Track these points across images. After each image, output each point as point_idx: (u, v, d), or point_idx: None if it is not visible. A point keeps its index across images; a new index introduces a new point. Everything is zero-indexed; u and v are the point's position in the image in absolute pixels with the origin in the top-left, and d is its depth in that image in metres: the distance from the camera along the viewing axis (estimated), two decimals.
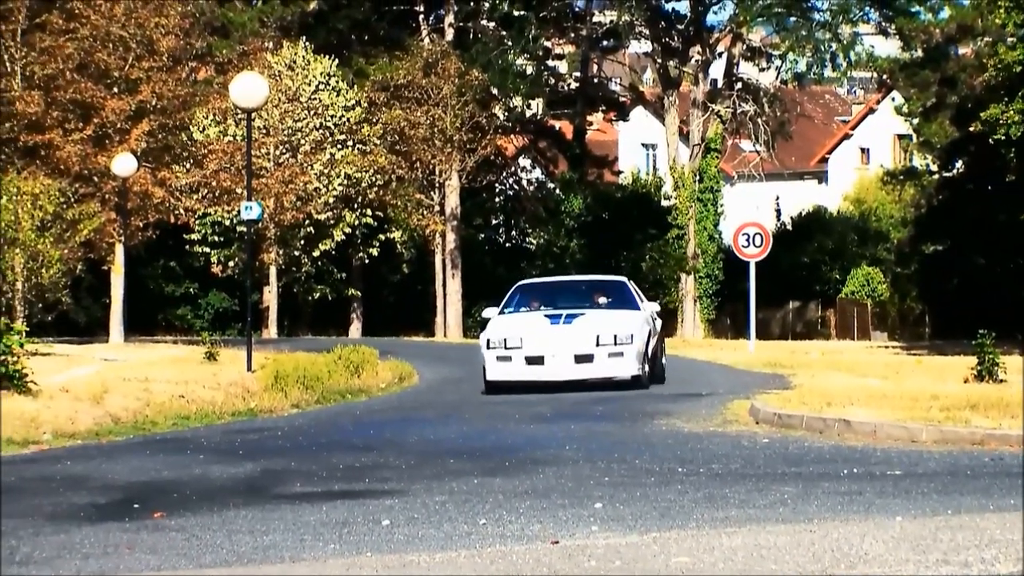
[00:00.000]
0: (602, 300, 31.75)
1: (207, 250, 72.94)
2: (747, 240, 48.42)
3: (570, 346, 28.85)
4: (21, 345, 29.90)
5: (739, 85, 76.57)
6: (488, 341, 29.24)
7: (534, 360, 28.58)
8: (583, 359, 28.77)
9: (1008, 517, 11.74)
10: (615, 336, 28.77)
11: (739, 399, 25.90)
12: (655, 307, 33.02)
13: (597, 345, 28.95)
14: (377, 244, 76.34)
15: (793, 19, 74.55)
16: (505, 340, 28.72)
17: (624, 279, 35.58)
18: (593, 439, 20.84)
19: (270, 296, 74.71)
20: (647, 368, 30.42)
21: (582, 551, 10.69)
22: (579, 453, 18.40)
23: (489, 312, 32.18)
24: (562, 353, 28.80)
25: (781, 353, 47.35)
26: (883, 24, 74.56)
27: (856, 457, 17.71)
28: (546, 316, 30.10)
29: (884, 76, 76.51)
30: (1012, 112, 41.49)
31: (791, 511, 12.51)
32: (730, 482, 14.95)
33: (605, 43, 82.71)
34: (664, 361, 34.39)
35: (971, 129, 48.46)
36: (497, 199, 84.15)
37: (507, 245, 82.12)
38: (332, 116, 72.87)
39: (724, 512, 12.61)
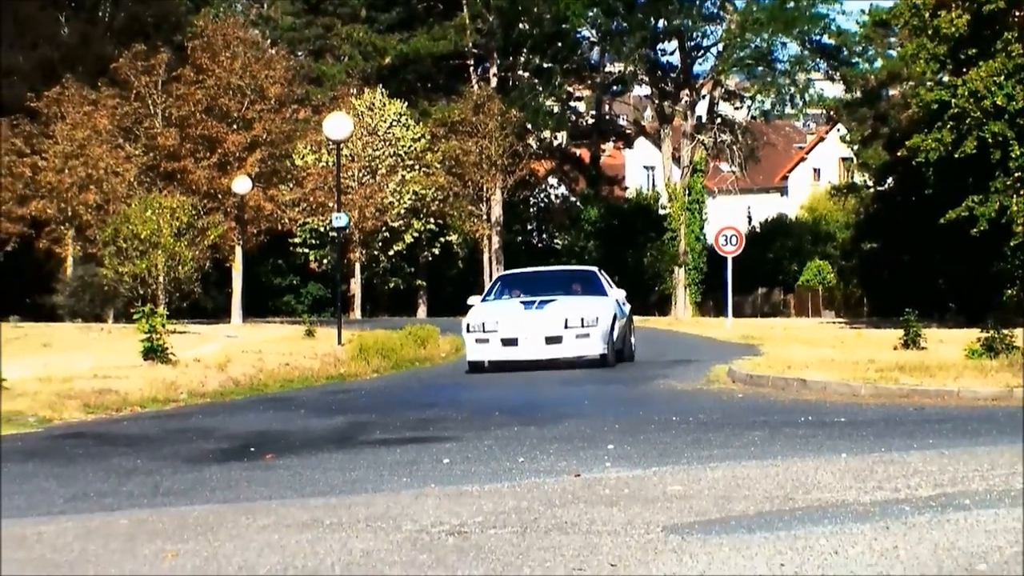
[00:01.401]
0: (576, 288, 29.41)
1: (306, 251, 72.97)
2: (725, 240, 48.23)
3: (541, 329, 26.74)
4: (163, 326, 29.96)
5: (719, 120, 76.36)
6: (468, 325, 27.30)
7: (509, 342, 26.55)
8: (553, 340, 26.65)
9: (927, 454, 11.71)
10: (582, 319, 26.51)
11: (720, 364, 25.78)
12: (622, 293, 30.21)
13: (565, 327, 26.60)
14: (438, 245, 76.43)
15: (760, 69, 74.30)
16: (483, 324, 26.67)
17: (595, 269, 33.34)
18: (605, 397, 20.92)
19: (355, 286, 74.72)
20: (613, 348, 28.00)
21: (598, 482, 10.69)
22: (595, 408, 18.38)
23: (472, 300, 29.81)
24: (534, 335, 26.70)
25: (752, 329, 47.20)
26: (830, 72, 74.40)
27: (810, 409, 17.64)
28: (521, 303, 28.05)
29: (831, 113, 76.45)
30: (930, 141, 41.33)
31: (760, 451, 12.49)
32: (713, 428, 14.92)
33: (614, 88, 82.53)
34: (633, 340, 32.05)
35: (899, 154, 48.28)
36: (531, 210, 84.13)
37: (539, 246, 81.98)
38: (402, 146, 72.82)
39: (708, 451, 12.59)
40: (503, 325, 26.42)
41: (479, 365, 27.15)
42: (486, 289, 31.39)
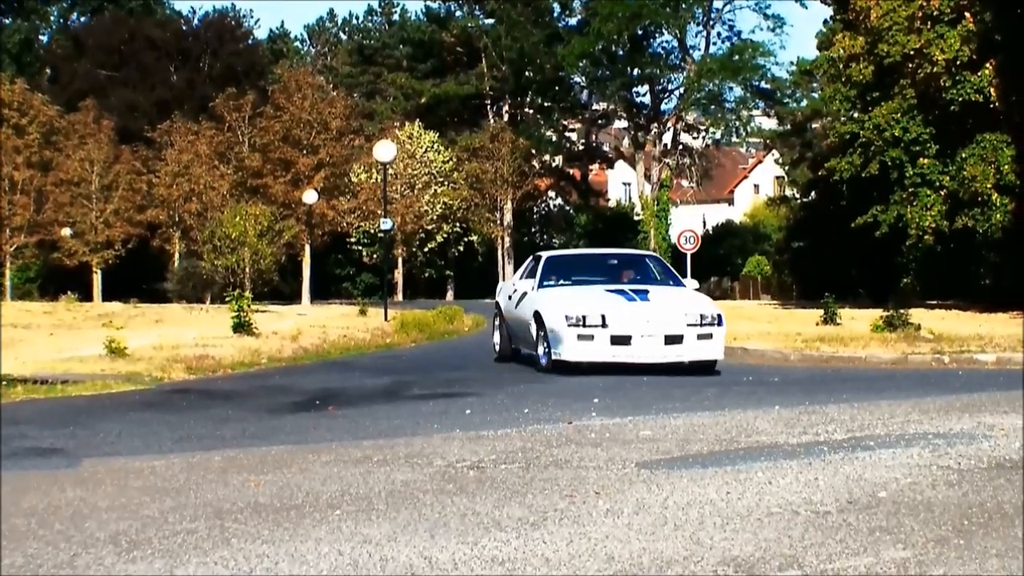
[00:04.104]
0: (639, 275, 19.33)
1: (360, 248, 72.92)
2: (686, 240, 47.88)
3: (660, 326, 16.76)
4: (249, 306, 29.99)
5: (680, 147, 76.29)
6: (566, 317, 16.75)
7: (620, 340, 16.56)
8: (673, 340, 16.72)
9: (841, 406, 11.70)
10: (702, 316, 16.88)
11: None
12: (695, 284, 19.85)
13: (688, 325, 16.80)
14: (462, 244, 76.42)
15: (713, 107, 74.19)
16: (584, 317, 16.64)
17: (655, 253, 24.37)
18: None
19: (398, 275, 74.76)
20: None
21: (586, 428, 10.68)
22: (586, 371, 18.34)
23: (513, 285, 20.34)
24: (652, 333, 16.72)
25: None
26: (767, 110, 74.42)
27: (752, 371, 17.57)
28: (613, 291, 17.81)
29: (767, 141, 76.20)
30: (844, 163, 41.29)
31: (712, 404, 12.46)
32: (676, 386, 14.88)
33: (599, 122, 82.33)
34: None
35: (820, 173, 48.39)
36: (535, 216, 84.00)
37: (540, 244, 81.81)
38: (435, 167, 72.75)
39: (672, 404, 12.56)
40: (614, 320, 16.58)
41: (574, 366, 16.88)
42: (524, 270, 20.47)
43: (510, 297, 19.92)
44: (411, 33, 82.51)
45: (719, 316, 16.95)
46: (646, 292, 17.63)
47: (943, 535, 6.11)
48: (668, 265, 20.82)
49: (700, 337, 16.63)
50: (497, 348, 20.68)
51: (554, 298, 17.70)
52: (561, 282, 18.88)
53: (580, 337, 16.55)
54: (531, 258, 20.63)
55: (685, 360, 16.78)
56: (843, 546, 5.96)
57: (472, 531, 6.53)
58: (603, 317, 16.51)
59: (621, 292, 17.65)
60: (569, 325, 16.59)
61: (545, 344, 17.35)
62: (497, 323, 20.76)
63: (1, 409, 14.11)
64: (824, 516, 6.62)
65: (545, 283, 18.67)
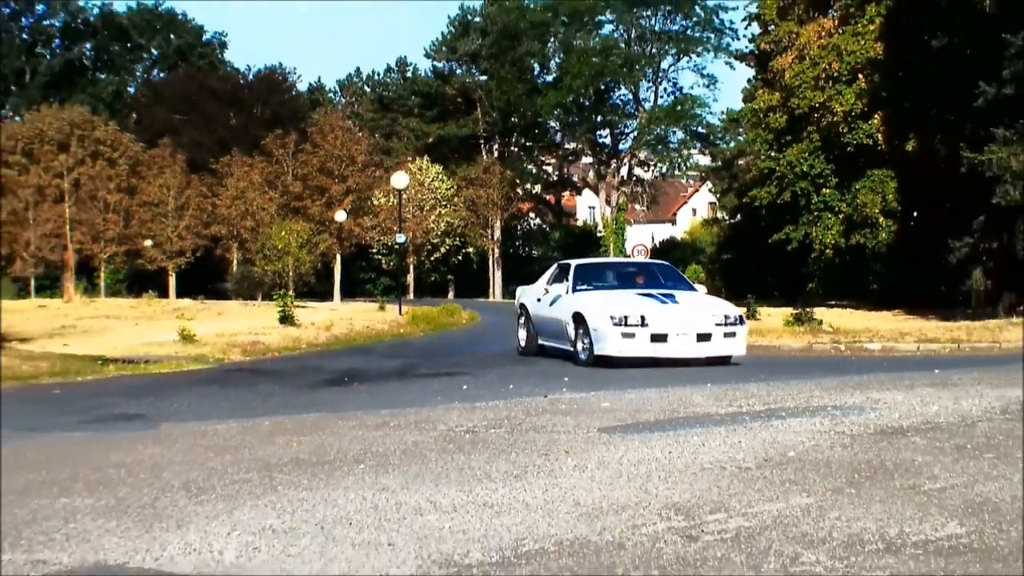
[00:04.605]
0: (651, 281, 17.98)
1: (380, 256, 72.65)
2: (637, 252, 47.60)
3: (693, 325, 15.58)
4: (291, 302, 30.00)
5: (634, 178, 76.24)
6: (612, 318, 15.45)
7: (659, 338, 15.38)
8: (703, 338, 15.57)
9: (760, 384, 11.70)
10: (727, 317, 15.77)
11: None
12: (703, 288, 18.39)
13: (716, 325, 15.64)
14: (461, 255, 76.17)
15: (660, 147, 74.19)
16: (626, 317, 15.39)
17: (667, 263, 20.91)
18: (569, 351, 20.77)
19: (410, 279, 74.46)
20: None
21: (559, 400, 10.68)
22: (559, 356, 18.31)
23: (549, 289, 18.18)
24: (685, 332, 15.51)
25: None
26: (703, 149, 74.44)
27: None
28: (644, 295, 16.59)
29: (703, 174, 76.34)
30: (763, 192, 41.43)
31: (658, 382, 12.47)
32: (630, 371, 14.93)
33: (570, 158, 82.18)
34: None
35: (744, 200, 48.53)
36: (518, 232, 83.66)
37: (523, 255, 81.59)
38: (439, 193, 72.61)
39: (627, 383, 12.58)
40: (652, 320, 15.44)
41: (616, 361, 15.41)
42: (550, 276, 18.66)
43: (539, 300, 18.22)
44: (420, 87, 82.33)
45: (740, 316, 15.88)
46: (673, 296, 16.41)
47: (838, 485, 6.15)
48: (679, 272, 19.38)
49: (726, 335, 15.47)
50: (522, 344, 18.81)
51: (595, 301, 16.29)
52: (590, 287, 17.38)
53: (623, 335, 15.30)
54: (556, 266, 19.06)
55: (713, 355, 15.44)
56: (760, 495, 5.99)
57: (467, 481, 6.55)
58: (642, 318, 15.29)
59: (652, 296, 16.43)
60: (614, 324, 15.31)
61: (585, 341, 15.87)
62: (522, 322, 18.92)
63: (1, 399, 14.04)
64: (745, 471, 6.65)
65: (578, 287, 17.24)
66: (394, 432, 8.75)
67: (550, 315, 17.41)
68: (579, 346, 15.97)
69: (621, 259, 24.08)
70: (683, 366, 14.90)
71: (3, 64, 79.69)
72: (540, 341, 18.05)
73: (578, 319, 16.03)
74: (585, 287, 17.17)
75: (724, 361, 15.45)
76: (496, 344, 22.79)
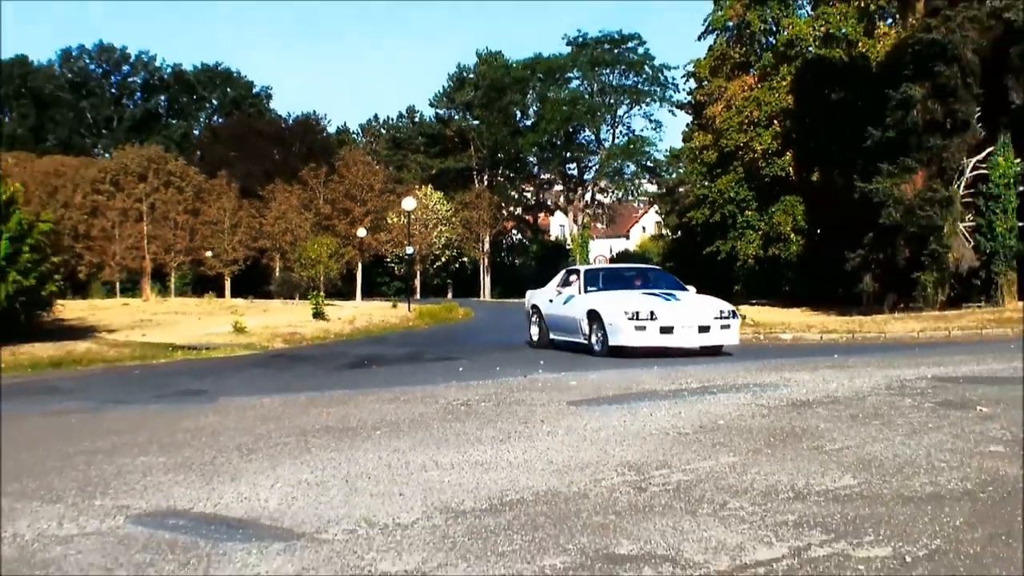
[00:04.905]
0: (647, 283, 16.93)
1: (393, 264, 72.39)
2: (598, 262, 48.02)
3: (695, 319, 14.57)
4: (322, 301, 29.96)
5: (596, 202, 76.47)
6: (626, 313, 14.50)
7: (666, 330, 14.41)
8: (703, 329, 14.56)
9: (698, 367, 11.72)
10: (722, 311, 14.78)
11: None
12: (693, 289, 16.80)
13: (714, 319, 14.64)
14: (457, 263, 75.94)
15: (616, 177, 74.45)
16: (637, 312, 14.42)
17: (657, 267, 21.46)
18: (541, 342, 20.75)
19: (417, 283, 74.32)
20: None
21: (536, 380, 10.66)
22: (534, 347, 18.34)
23: (561, 291, 17.05)
24: (689, 325, 14.48)
25: None
26: (651, 179, 74.63)
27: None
28: (650, 295, 15.51)
29: (651, 199, 76.41)
30: (698, 214, 41.50)
31: (616, 366, 12.50)
32: (593, 356, 14.92)
33: (545, 186, 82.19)
34: None
35: (684, 220, 48.53)
36: (504, 245, 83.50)
37: (507, 263, 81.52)
38: (440, 214, 72.46)
39: (591, 367, 12.57)
40: (660, 315, 14.52)
41: (628, 351, 14.45)
42: (559, 280, 17.65)
43: (551, 300, 17.08)
44: (425, 129, 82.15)
45: (734, 311, 15.00)
46: (674, 294, 15.46)
47: (758, 447, 6.16)
48: (671, 275, 18.18)
49: (722, 327, 14.59)
50: (535, 338, 17.58)
51: (608, 299, 15.22)
52: (598, 288, 16.26)
53: (636, 328, 14.38)
54: (564, 271, 17.88)
55: (711, 344, 14.59)
56: (696, 454, 6.00)
57: (463, 444, 6.54)
58: (652, 312, 14.41)
59: (656, 294, 15.42)
60: (628, 319, 14.40)
61: (600, 334, 14.88)
62: (534, 319, 17.73)
63: (1, 389, 13.98)
64: (684, 435, 6.66)
65: (589, 288, 16.23)
66: (404, 405, 8.74)
67: (564, 313, 16.43)
68: (593, 339, 15.07)
69: (622, 265, 22.82)
70: (685, 355, 13.98)
71: (96, 112, 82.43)
72: (552, 336, 16.97)
73: (592, 316, 15.11)
74: (594, 288, 16.25)
75: (717, 351, 14.63)
76: (485, 336, 22.82)
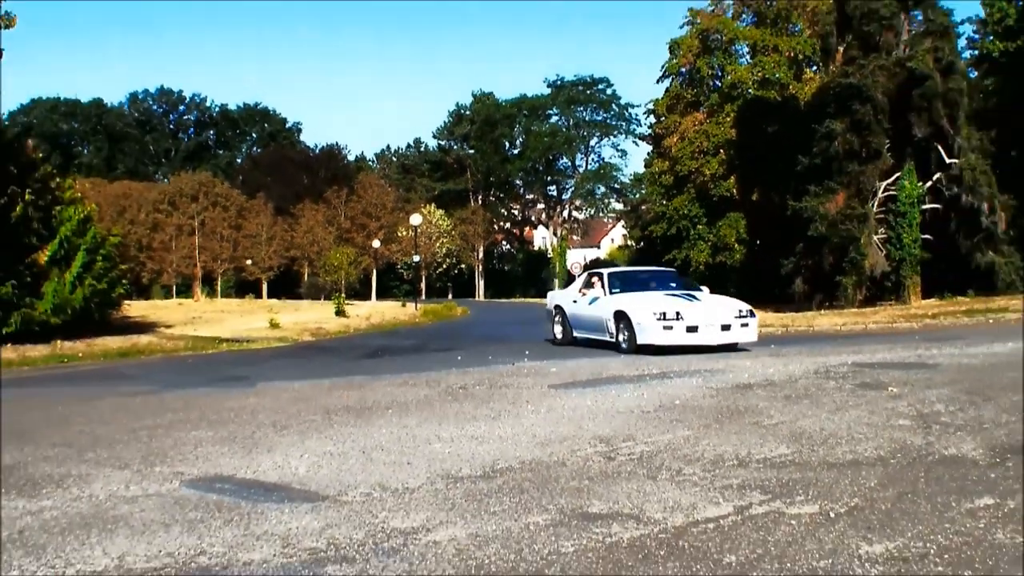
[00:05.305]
0: (663, 284, 14.82)
1: (403, 270, 72.13)
2: (574, 268, 47.85)
3: (718, 318, 12.65)
4: (343, 301, 29.85)
5: (573, 217, 76.42)
6: (655, 313, 12.58)
7: (692, 329, 12.46)
8: (725, 328, 12.59)
9: (660, 358, 11.73)
10: (740, 310, 12.88)
11: None
12: (707, 289, 14.87)
13: (735, 318, 12.71)
14: (456, 269, 75.66)
15: (589, 197, 74.48)
16: (664, 312, 12.52)
17: (672, 270, 17.77)
18: (528, 334, 20.60)
19: (422, 286, 74.10)
20: None
21: (522, 367, 10.65)
22: (522, 338, 18.31)
23: (586, 292, 14.88)
24: (713, 323, 12.55)
25: None
26: (619, 199, 74.64)
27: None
28: (672, 295, 13.58)
29: (618, 215, 76.29)
30: (658, 228, 41.48)
31: (589, 355, 12.47)
32: (570, 348, 14.90)
33: (529, 204, 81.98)
34: None
35: (646, 232, 48.43)
36: (495, 254, 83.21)
37: (498, 269, 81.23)
38: (442, 228, 72.23)
39: (569, 356, 12.51)
40: (686, 315, 12.60)
41: (658, 348, 12.46)
42: (582, 282, 15.49)
43: (575, 301, 15.14)
44: (430, 157, 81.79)
45: (751, 310, 13.18)
46: (693, 295, 13.64)
47: (708, 423, 6.17)
48: (684, 278, 16.52)
49: (742, 325, 12.77)
50: (559, 336, 15.59)
51: (635, 300, 13.36)
52: (621, 290, 14.30)
53: (664, 327, 12.49)
54: (587, 273, 15.73)
55: (732, 342, 12.78)
56: (657, 429, 6.00)
57: (461, 422, 6.54)
58: (678, 313, 12.56)
59: (677, 295, 13.60)
60: (656, 319, 12.54)
61: (626, 333, 13.04)
62: (558, 319, 15.71)
63: (1, 385, 13.88)
64: (647, 413, 6.67)
65: (613, 290, 14.28)
66: (411, 388, 8.72)
67: (589, 314, 14.53)
68: (620, 338, 13.24)
69: (640, 267, 19.83)
70: (706, 352, 12.23)
71: (158, 145, 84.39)
72: (576, 334, 15.07)
73: (620, 316, 13.29)
74: (618, 290, 14.25)
75: (734, 347, 12.83)
76: (478, 331, 22.79)
